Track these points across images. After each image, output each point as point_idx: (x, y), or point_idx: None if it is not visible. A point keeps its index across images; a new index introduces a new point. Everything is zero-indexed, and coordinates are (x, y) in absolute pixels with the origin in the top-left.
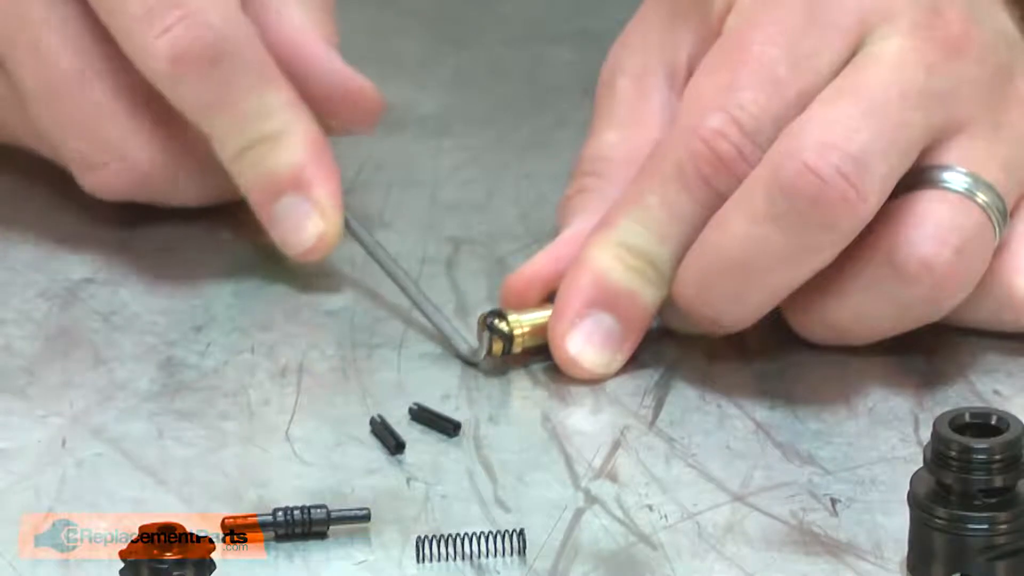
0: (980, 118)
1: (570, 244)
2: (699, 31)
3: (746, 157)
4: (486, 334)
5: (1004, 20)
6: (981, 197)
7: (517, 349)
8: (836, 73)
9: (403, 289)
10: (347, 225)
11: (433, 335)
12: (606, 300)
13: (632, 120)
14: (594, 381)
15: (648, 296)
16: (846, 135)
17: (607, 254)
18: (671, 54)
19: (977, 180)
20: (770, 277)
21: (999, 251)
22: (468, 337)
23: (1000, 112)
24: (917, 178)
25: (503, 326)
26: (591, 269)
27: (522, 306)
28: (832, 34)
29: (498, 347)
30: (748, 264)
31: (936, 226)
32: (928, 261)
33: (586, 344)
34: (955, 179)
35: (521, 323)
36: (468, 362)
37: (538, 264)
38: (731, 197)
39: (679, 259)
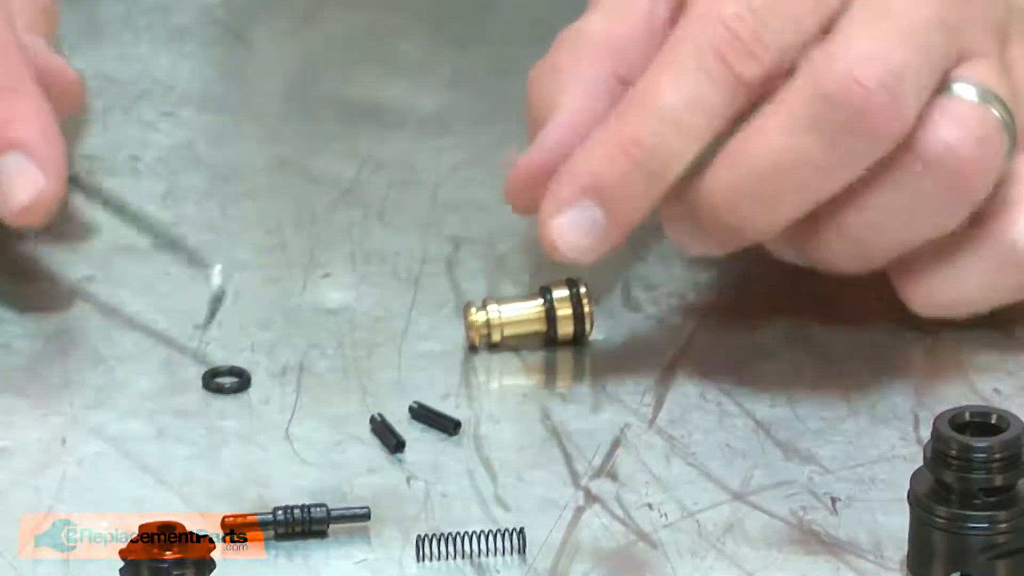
0: (990, 51)
1: (565, 132)
2: None
3: (764, 43)
4: (466, 324)
5: None
6: (994, 106)
7: (496, 339)
8: None
9: (152, 232)
10: (74, 181)
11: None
12: (600, 195)
13: (614, 9)
14: (575, 263)
15: (647, 197)
16: (887, 50)
17: (614, 149)
18: None
19: (988, 92)
20: (806, 187)
21: (998, 207)
22: (213, 276)
23: (1004, 58)
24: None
25: (481, 316)
26: (593, 164)
27: (529, 202)
28: None
29: (475, 335)
30: (784, 173)
31: (957, 116)
32: (951, 145)
33: (568, 230)
34: (966, 89)
35: (500, 313)
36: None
37: (536, 158)
38: (768, 104)
39: (693, 156)
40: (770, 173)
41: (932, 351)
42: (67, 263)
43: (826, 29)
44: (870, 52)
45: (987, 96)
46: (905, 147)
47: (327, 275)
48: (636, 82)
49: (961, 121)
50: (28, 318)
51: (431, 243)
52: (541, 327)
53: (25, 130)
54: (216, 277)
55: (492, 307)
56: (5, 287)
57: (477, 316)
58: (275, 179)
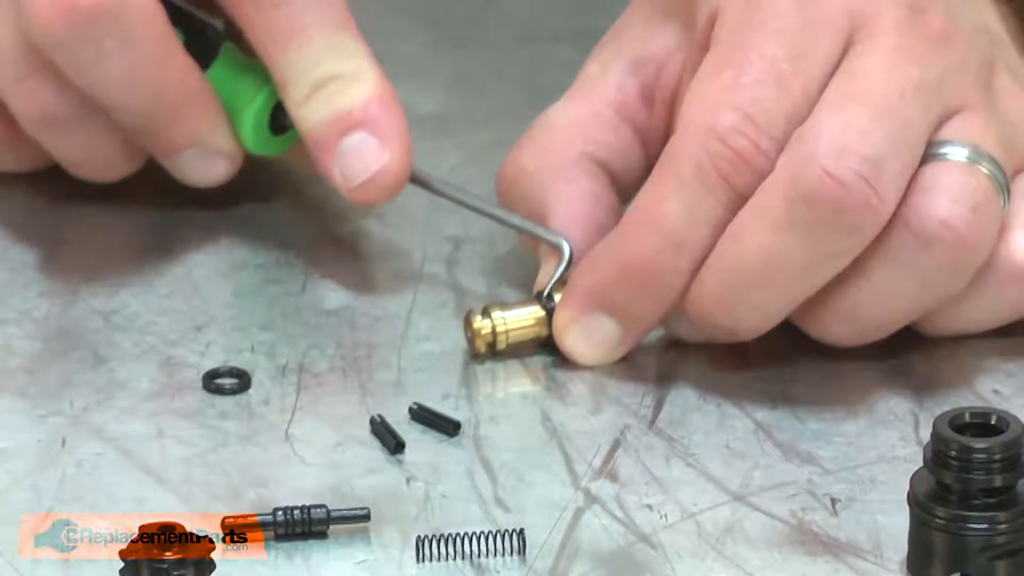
0: (973, 101)
1: (569, 231)
2: (677, 32)
3: (763, 152)
4: (469, 332)
5: (988, 18)
6: (983, 166)
7: (501, 346)
8: (833, 67)
9: (495, 217)
10: (412, 174)
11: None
12: (611, 309)
13: (582, 93)
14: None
15: (657, 309)
16: (859, 138)
17: (621, 270)
18: (641, 44)
19: (977, 151)
20: (792, 284)
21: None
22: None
23: (989, 98)
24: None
25: (487, 324)
26: (602, 281)
27: None
28: (825, 30)
29: (480, 344)
30: (770, 273)
31: (948, 188)
32: (946, 220)
33: (581, 340)
34: (956, 152)
35: (505, 320)
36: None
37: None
38: (747, 206)
39: (696, 267)
40: (756, 276)
41: (932, 352)
42: (68, 263)
43: (811, 110)
44: (842, 143)
45: (976, 155)
46: (899, 225)
47: (327, 275)
48: (636, 196)
49: (952, 192)
50: (28, 318)
51: (431, 242)
52: (543, 331)
53: (366, 108)
54: (565, 246)
55: (497, 314)
56: (5, 287)
57: (483, 324)
58: (275, 178)
